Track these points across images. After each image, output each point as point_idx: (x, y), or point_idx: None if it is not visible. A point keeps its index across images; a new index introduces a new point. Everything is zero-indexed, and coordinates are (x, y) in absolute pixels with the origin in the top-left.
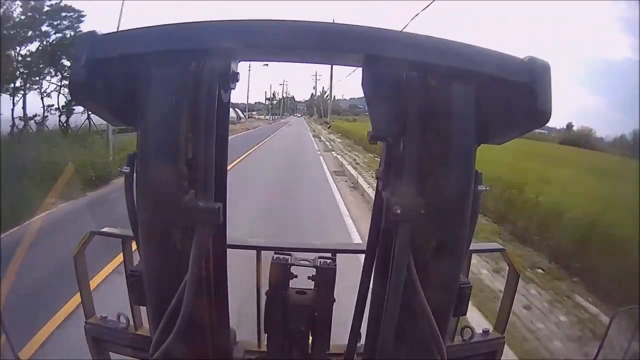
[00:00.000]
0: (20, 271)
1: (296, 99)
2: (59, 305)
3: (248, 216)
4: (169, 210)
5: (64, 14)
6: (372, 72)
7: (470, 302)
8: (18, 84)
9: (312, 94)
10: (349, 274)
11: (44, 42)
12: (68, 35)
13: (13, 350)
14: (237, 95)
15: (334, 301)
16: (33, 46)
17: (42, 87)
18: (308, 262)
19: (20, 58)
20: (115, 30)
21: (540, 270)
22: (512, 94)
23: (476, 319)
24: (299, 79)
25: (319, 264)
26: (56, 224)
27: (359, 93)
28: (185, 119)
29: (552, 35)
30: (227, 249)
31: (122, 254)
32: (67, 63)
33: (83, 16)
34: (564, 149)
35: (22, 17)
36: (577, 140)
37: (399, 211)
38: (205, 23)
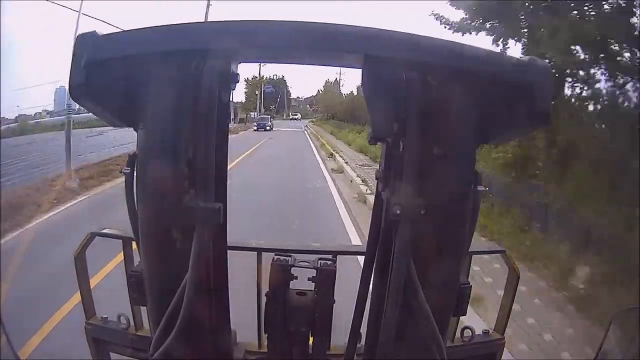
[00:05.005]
0: None
1: (295, 96)
2: None
3: None
4: (169, 210)
5: None
6: (371, 72)
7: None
8: None
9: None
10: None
11: None
12: None
13: (13, 350)
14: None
15: (334, 302)
16: None
17: None
18: (308, 264)
19: None
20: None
21: None
22: (512, 94)
23: None
24: (301, 74)
25: (319, 265)
26: None
27: None
28: (186, 120)
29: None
30: (228, 251)
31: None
32: None
33: None
34: None
35: None
36: None
37: (398, 211)
38: (205, 24)
